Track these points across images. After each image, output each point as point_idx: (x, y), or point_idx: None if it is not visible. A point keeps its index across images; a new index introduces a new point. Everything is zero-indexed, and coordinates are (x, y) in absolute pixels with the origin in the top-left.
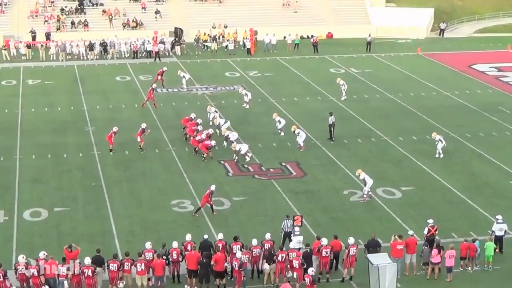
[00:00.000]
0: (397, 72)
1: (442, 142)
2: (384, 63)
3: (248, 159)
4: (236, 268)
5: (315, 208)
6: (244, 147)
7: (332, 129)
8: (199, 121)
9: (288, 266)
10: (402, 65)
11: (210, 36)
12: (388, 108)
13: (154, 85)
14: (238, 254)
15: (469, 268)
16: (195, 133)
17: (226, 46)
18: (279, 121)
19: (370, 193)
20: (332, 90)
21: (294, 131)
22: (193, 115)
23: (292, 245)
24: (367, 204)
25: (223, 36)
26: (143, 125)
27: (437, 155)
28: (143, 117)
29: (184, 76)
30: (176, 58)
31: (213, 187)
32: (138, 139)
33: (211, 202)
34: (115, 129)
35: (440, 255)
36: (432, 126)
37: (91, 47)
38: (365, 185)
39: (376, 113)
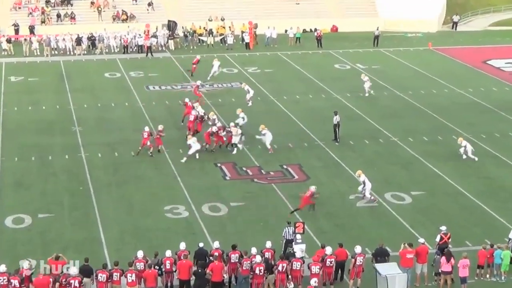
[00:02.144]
0: (406, 68)
1: (467, 147)
2: (392, 59)
3: (234, 152)
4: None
5: (318, 214)
6: (235, 139)
7: (337, 129)
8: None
9: (290, 276)
10: (412, 61)
11: (206, 30)
12: (397, 106)
13: (199, 82)
14: (258, 258)
15: (488, 276)
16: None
17: (222, 40)
18: (243, 118)
19: (372, 197)
20: (337, 87)
21: (261, 131)
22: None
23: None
24: (375, 210)
25: (220, 33)
26: (160, 127)
27: (464, 156)
28: (134, 117)
29: (214, 65)
30: (170, 53)
31: (313, 188)
32: (148, 143)
33: (313, 202)
34: (146, 129)
35: (451, 264)
36: (443, 125)
37: (78, 41)
38: (363, 186)
39: (384, 112)
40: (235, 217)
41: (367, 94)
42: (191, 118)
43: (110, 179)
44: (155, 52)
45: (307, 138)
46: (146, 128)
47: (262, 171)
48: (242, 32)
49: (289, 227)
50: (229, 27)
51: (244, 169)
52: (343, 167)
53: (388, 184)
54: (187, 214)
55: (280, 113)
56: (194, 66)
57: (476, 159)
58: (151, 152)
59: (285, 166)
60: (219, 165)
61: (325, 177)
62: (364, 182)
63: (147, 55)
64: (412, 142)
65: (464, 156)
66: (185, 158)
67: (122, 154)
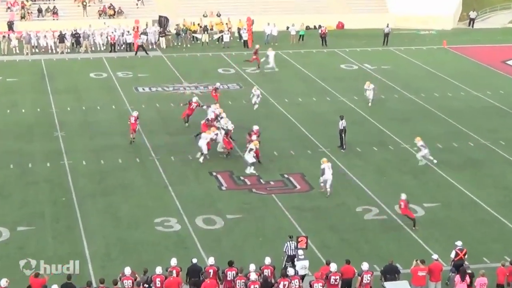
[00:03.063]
0: (419, 69)
1: (422, 150)
2: (404, 58)
3: (222, 150)
4: None
5: (323, 228)
6: (219, 137)
7: (343, 135)
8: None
9: None
10: (425, 60)
11: (201, 26)
12: (408, 110)
13: (218, 84)
14: (253, 276)
15: None
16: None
17: (219, 38)
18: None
19: (327, 187)
20: (343, 89)
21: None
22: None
23: (294, 271)
24: (384, 223)
25: (219, 30)
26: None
27: (421, 159)
28: (122, 121)
29: (269, 55)
30: (161, 52)
31: (404, 196)
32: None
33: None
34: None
35: (466, 282)
36: (459, 131)
37: (61, 38)
38: (321, 175)
39: (394, 116)
40: (231, 231)
41: (370, 104)
42: (210, 116)
43: (95, 189)
44: (143, 51)
45: (310, 145)
46: (135, 113)
47: (261, 180)
48: (239, 29)
49: (291, 242)
50: (226, 23)
51: (242, 178)
52: (349, 177)
53: (399, 195)
54: (179, 227)
55: (281, 117)
56: (255, 57)
57: (435, 161)
58: (133, 139)
59: (286, 175)
60: (214, 173)
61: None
62: (324, 171)
63: (136, 53)
64: None
65: (421, 159)
66: (202, 158)
67: (109, 162)
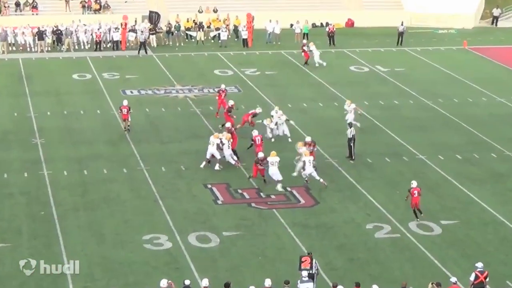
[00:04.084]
0: (436, 72)
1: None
2: (420, 60)
3: (217, 168)
4: None
5: (329, 247)
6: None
7: (352, 145)
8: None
9: None
10: (443, 63)
11: (196, 23)
12: (424, 117)
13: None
14: None
15: None
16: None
17: (214, 36)
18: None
19: (319, 180)
20: (353, 94)
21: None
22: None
23: None
24: (397, 242)
25: (215, 27)
26: (231, 102)
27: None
28: (107, 127)
29: (312, 50)
30: (151, 51)
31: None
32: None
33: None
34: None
35: None
36: (481, 141)
37: (40, 35)
38: (303, 166)
39: (409, 124)
40: (228, 250)
41: (357, 125)
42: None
43: (78, 202)
44: (132, 50)
45: (315, 155)
46: (125, 102)
47: (261, 194)
48: (236, 26)
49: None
50: (224, 20)
51: (240, 191)
52: (359, 190)
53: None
54: (170, 245)
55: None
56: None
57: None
58: (128, 126)
59: (289, 189)
60: (209, 186)
61: (338, 202)
62: (303, 161)
63: (139, 52)
64: (443, 161)
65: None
66: (217, 165)
67: (92, 172)
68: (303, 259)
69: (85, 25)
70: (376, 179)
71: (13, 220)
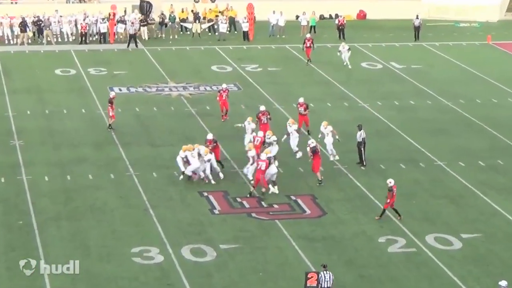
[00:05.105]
0: (457, 69)
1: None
2: (439, 56)
3: (212, 182)
4: None
5: (337, 262)
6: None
7: (362, 149)
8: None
9: None
10: (465, 59)
11: (194, 12)
12: (443, 120)
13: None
14: None
15: None
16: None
17: (210, 28)
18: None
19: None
20: (364, 93)
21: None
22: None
23: None
24: (413, 257)
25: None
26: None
27: (331, 158)
28: (93, 128)
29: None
30: (142, 44)
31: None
32: (110, 113)
33: None
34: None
35: None
36: (506, 146)
37: (21, 26)
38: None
39: (426, 127)
40: (225, 264)
41: (348, 66)
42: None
43: (60, 211)
44: (121, 43)
45: (323, 161)
46: (112, 94)
47: (263, 203)
48: (232, 18)
49: (325, 272)
50: (222, 11)
51: (239, 200)
52: (370, 200)
53: (431, 224)
54: (162, 259)
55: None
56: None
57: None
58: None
59: (293, 197)
60: (205, 194)
61: (347, 212)
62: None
63: (128, 45)
64: (464, 168)
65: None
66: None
67: (76, 178)
68: (309, 275)
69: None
70: None
71: None
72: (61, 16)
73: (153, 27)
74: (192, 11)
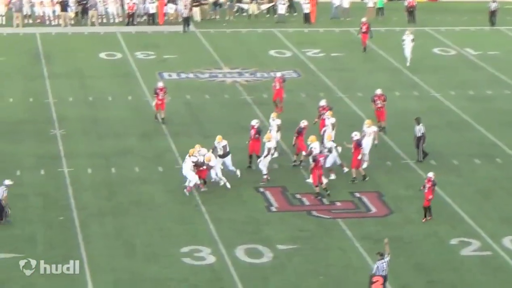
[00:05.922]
0: None
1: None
2: None
3: (228, 186)
4: None
5: (405, 266)
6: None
7: (420, 145)
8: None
9: None
10: None
11: None
12: None
13: None
14: None
15: None
16: None
17: (269, 9)
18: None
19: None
20: (436, 82)
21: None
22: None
23: None
24: (488, 261)
25: None
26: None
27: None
28: (140, 117)
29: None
30: (194, 26)
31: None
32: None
33: None
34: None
35: None
36: None
37: (63, 6)
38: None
39: (504, 119)
40: (283, 266)
41: (408, 64)
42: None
43: (104, 206)
44: (171, 25)
45: (390, 154)
46: (160, 84)
47: (324, 200)
48: None
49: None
50: None
51: (298, 196)
52: (442, 198)
53: (509, 225)
54: (214, 260)
55: (351, 116)
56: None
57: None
58: (162, 118)
59: (357, 194)
60: (261, 190)
61: (416, 211)
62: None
63: (184, 30)
64: None
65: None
66: (238, 171)
67: (122, 171)
68: (374, 280)
69: None
70: (463, 185)
71: (26, 226)
72: None
73: (207, 7)
74: None
